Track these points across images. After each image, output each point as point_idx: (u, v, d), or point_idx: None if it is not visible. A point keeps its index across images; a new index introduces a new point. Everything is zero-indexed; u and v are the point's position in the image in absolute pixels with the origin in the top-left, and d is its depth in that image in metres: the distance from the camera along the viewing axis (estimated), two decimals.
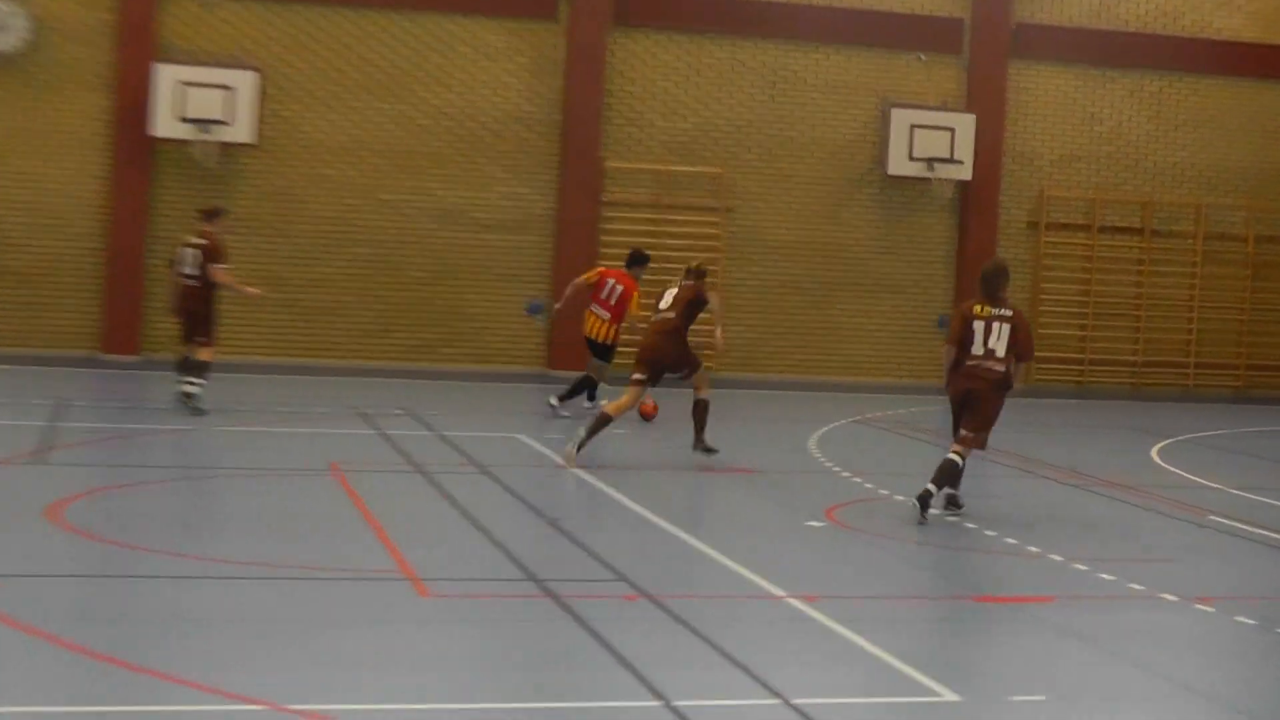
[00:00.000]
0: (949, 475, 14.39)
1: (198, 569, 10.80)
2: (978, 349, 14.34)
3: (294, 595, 10.22)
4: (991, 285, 14.56)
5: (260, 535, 12.18)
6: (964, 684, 8.88)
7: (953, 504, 14.60)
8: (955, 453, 14.34)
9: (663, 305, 17.12)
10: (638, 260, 20.58)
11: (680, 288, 17.12)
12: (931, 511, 14.15)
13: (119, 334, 24.37)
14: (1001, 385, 14.41)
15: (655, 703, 8.15)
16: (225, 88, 24.08)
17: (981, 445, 14.52)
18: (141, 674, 8.12)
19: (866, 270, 27.35)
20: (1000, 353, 14.31)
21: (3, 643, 8.58)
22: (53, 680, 8.02)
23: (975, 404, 14.41)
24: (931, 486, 14.19)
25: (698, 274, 17.25)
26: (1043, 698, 8.74)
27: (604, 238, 25.95)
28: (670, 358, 16.97)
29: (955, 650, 10.18)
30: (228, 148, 24.30)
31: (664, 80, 26.54)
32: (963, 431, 14.41)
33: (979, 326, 14.36)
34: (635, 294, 20.29)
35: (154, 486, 14.40)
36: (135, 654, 8.48)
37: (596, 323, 20.19)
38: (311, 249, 24.99)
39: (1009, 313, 14.48)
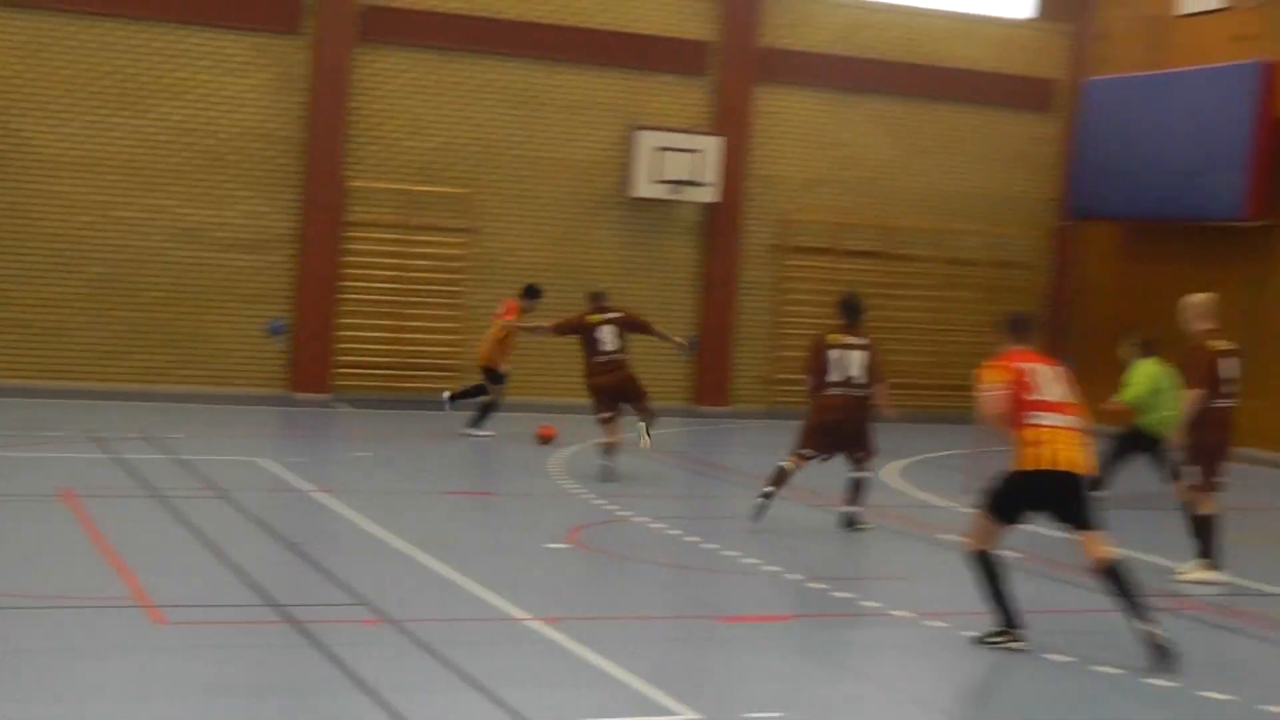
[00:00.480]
0: (861, 492, 15.87)
1: None
2: (837, 376, 15.60)
3: (21, 625, 10.14)
4: (852, 315, 15.84)
5: None
6: (703, 702, 9.09)
7: (856, 523, 15.84)
8: (859, 471, 15.78)
9: (610, 346, 18.68)
10: (531, 294, 22.37)
11: (611, 320, 18.83)
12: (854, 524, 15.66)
13: None
14: (864, 404, 15.71)
15: None
16: None
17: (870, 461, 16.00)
18: None
19: (612, 291, 26.95)
20: (860, 378, 15.59)
21: None
22: None
23: (848, 434, 15.69)
24: (850, 509, 15.78)
25: (602, 301, 19.26)
26: (781, 714, 8.97)
27: (347, 258, 26.21)
28: (632, 390, 18.87)
29: (695, 669, 10.35)
30: None
31: (409, 99, 26.64)
32: (858, 455, 15.73)
33: (835, 355, 15.61)
34: (514, 314, 21.95)
35: None
36: None
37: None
38: (43, 268, 24.61)
39: (864, 341, 15.77)
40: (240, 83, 25.68)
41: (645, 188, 27.49)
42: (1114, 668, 10.44)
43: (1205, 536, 14.34)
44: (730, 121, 28.26)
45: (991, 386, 10.77)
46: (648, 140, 27.42)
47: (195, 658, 9.61)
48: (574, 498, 17.35)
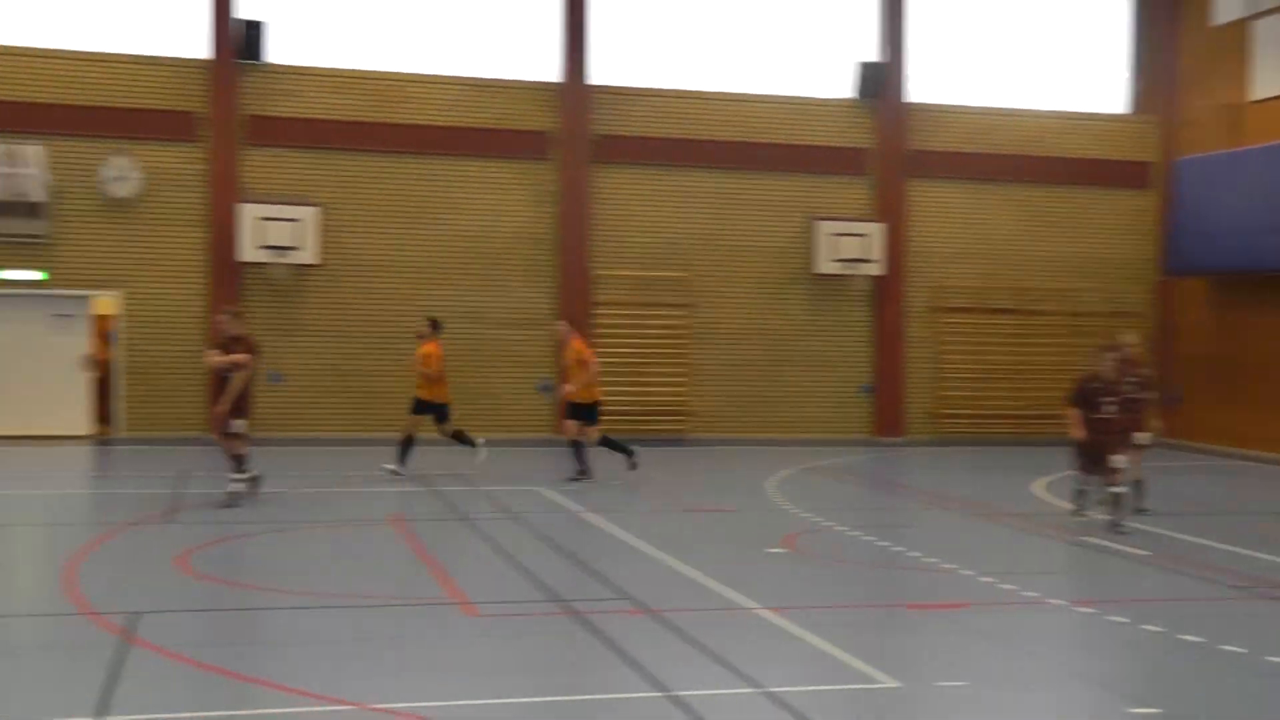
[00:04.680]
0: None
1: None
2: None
3: (366, 619, 10.73)
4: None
5: None
6: (902, 673, 9.36)
7: (1140, 510, 17.47)
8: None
9: None
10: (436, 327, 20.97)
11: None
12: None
13: None
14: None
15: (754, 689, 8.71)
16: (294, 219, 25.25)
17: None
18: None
19: (803, 349, 28.18)
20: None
21: (149, 663, 9.17)
22: (183, 690, 8.64)
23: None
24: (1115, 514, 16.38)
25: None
26: (965, 683, 9.19)
27: (596, 330, 26.62)
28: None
29: (894, 646, 10.41)
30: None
31: (637, 204, 27.36)
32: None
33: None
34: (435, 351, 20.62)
35: None
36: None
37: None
38: (361, 343, 26.09)
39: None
40: (507, 198, 26.80)
41: (825, 265, 27.88)
42: (1239, 647, 10.36)
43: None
44: (890, 210, 28.44)
45: None
46: (825, 229, 27.88)
47: (499, 643, 10.01)
48: (788, 512, 17.46)
